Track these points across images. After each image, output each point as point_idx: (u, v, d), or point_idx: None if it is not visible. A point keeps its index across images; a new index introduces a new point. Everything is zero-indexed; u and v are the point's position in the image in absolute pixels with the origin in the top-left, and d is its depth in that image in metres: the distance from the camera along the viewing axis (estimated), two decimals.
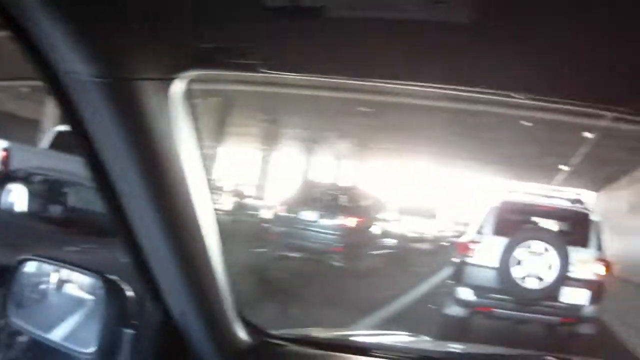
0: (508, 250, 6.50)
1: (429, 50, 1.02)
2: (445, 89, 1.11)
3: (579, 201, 7.81)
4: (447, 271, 7.86)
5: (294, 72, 1.19)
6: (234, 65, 1.09)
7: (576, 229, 7.47)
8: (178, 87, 1.12)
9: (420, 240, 16.08)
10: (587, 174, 20.55)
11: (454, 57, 1.01)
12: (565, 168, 19.21)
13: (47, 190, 6.63)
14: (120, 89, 1.05)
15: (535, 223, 7.92)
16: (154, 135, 1.12)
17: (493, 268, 6.59)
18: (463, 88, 1.13)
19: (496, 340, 6.79)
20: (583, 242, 6.95)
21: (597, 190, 23.98)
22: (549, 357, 1.73)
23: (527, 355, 1.79)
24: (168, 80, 1.10)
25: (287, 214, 11.48)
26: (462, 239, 7.67)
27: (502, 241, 6.64)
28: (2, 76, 15.22)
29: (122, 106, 1.07)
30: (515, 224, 7.43)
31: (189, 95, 1.16)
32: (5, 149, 7.93)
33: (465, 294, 6.76)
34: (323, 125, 19.97)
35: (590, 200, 23.90)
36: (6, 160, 7.49)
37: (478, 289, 6.71)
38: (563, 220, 8.08)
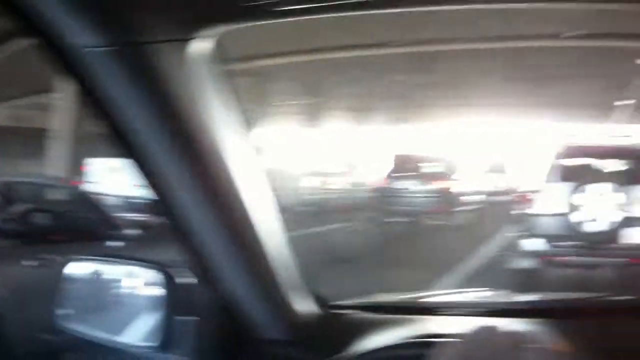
0: (572, 195, 6.45)
1: None
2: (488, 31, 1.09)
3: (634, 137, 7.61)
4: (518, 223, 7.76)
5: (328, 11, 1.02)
6: (256, 12, 0.98)
7: (638, 167, 7.35)
8: (201, 47, 1.02)
9: (499, 193, 17.22)
10: None
11: None
12: (628, 102, 17.66)
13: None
14: (136, 54, 0.96)
15: (598, 165, 7.70)
16: (183, 104, 1.03)
17: (558, 215, 6.54)
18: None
19: (568, 288, 6.68)
20: None
21: None
22: (627, 297, 1.69)
23: (590, 298, 1.70)
24: (187, 41, 1.00)
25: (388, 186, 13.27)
26: (526, 189, 7.61)
27: (565, 187, 6.59)
28: None
29: (141, 73, 0.98)
30: (578, 168, 7.35)
31: (217, 55, 1.06)
32: None
33: (533, 244, 6.73)
34: (371, 89, 18.98)
35: None
36: None
37: (544, 238, 6.66)
38: (626, 159, 7.89)
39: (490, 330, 1.01)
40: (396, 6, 1.02)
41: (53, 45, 0.95)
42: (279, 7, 0.95)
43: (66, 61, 0.97)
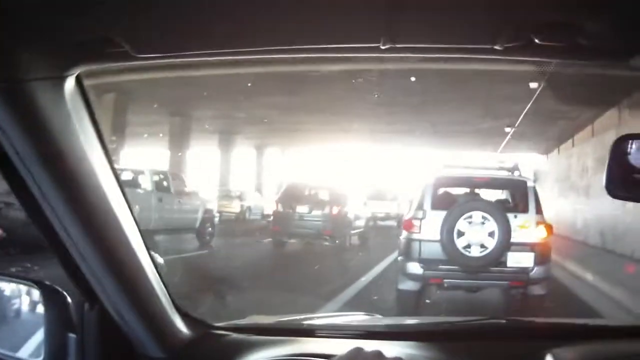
0: (449, 223, 6.63)
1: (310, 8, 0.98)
2: (360, 48, 1.07)
3: (516, 169, 8.06)
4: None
5: (175, 53, 1.13)
6: (117, 56, 1.06)
7: (515, 196, 7.80)
8: (72, 84, 1.09)
9: (385, 218, 18.76)
10: (535, 135, 19.30)
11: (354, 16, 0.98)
12: (510, 130, 17.73)
13: None
14: (14, 91, 1.01)
15: (474, 194, 8.03)
16: (55, 135, 1.08)
17: (437, 241, 6.71)
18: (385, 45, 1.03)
19: (453, 311, 6.99)
20: (522, 208, 7.23)
21: (546, 153, 23.43)
22: (495, 320, 1.76)
23: (474, 320, 1.75)
24: (60, 79, 1.07)
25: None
26: (406, 216, 7.78)
27: (443, 215, 6.76)
28: None
29: (18, 109, 1.03)
30: (453, 197, 7.72)
31: (86, 92, 1.13)
32: None
33: (415, 268, 6.92)
34: (232, 112, 18.47)
35: (539, 163, 24.07)
36: None
37: (426, 262, 6.87)
38: (501, 189, 8.29)
39: (363, 353, 1.04)
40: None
41: None
42: (133, 54, 1.06)
43: None
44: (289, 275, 9.86)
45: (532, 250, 6.79)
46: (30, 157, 1.08)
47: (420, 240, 6.95)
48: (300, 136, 22.90)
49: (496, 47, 1.02)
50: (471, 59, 1.18)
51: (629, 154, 1.27)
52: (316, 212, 14.11)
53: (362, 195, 17.83)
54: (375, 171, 28.58)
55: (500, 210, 6.89)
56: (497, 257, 6.65)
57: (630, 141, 1.30)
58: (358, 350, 1.09)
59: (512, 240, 6.66)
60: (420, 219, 7.04)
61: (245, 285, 7.90)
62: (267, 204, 19.58)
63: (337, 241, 13.70)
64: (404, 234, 7.23)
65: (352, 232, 14.84)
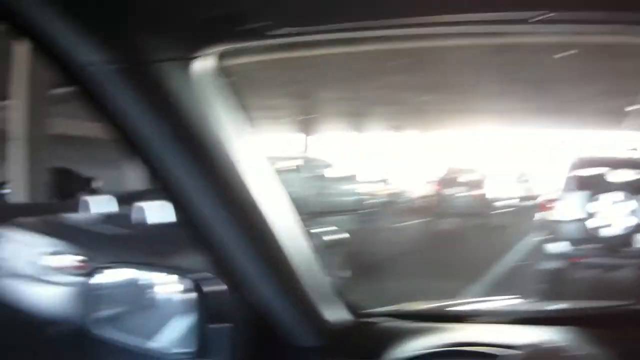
0: (589, 203, 7.04)
1: None
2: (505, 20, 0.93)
3: None
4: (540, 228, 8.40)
5: (317, 26, 1.03)
6: (252, 34, 0.99)
7: None
8: (204, 65, 1.05)
9: (525, 199, 18.78)
10: None
11: None
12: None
13: None
14: (142, 72, 0.98)
15: (611, 176, 8.03)
16: (188, 117, 1.05)
17: (578, 220, 7.07)
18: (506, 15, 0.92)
19: (593, 290, 7.08)
20: None
21: None
22: None
23: (623, 306, 1.62)
24: (190, 60, 1.03)
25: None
26: (546, 197, 8.29)
27: (584, 195, 7.13)
28: None
29: (147, 90, 1.00)
30: (593, 177, 7.80)
31: (219, 72, 1.08)
32: None
33: (557, 247, 7.24)
34: (359, 93, 17.84)
35: None
36: None
37: (567, 242, 7.16)
38: (636, 169, 8.60)
39: (548, 347, 0.93)
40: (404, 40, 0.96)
41: (63, 63, 0.96)
42: (274, 31, 0.97)
43: (76, 79, 0.98)
44: (440, 255, 10.22)
45: None
46: (163, 140, 1.05)
47: (560, 221, 7.30)
48: (429, 117, 22.39)
49: None
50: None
51: None
52: (465, 194, 15.69)
53: (504, 177, 18.63)
54: (508, 153, 28.36)
55: (635, 191, 7.14)
56: (633, 236, 6.95)
57: None
58: (540, 346, 1.00)
59: None
60: (562, 200, 7.41)
61: (399, 267, 8.29)
62: (414, 188, 20.77)
63: (484, 220, 14.90)
64: (546, 214, 7.80)
65: (496, 211, 16.03)
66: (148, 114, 1.02)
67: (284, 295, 1.29)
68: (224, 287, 1.30)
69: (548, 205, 7.72)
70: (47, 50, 0.95)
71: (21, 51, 15.31)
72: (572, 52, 10.06)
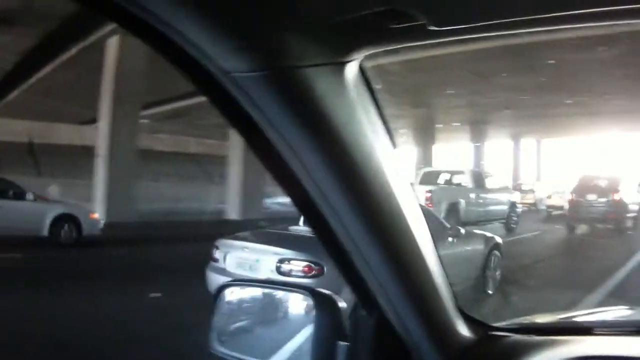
0: None
1: None
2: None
3: None
4: None
5: (471, 23, 0.91)
6: (409, 32, 0.90)
7: None
8: (354, 69, 0.98)
9: None
10: None
11: None
12: None
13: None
14: (286, 79, 0.93)
15: None
16: (336, 126, 0.99)
17: None
18: None
19: None
20: None
21: None
22: None
23: None
24: (340, 64, 0.96)
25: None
26: None
27: None
28: None
29: (292, 98, 0.95)
30: None
31: (369, 77, 1.03)
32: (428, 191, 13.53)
33: None
34: (476, 98, 17.20)
35: None
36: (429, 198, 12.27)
37: None
38: None
39: None
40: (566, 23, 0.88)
41: (203, 72, 0.92)
42: (430, 27, 0.87)
43: (215, 87, 0.95)
44: (572, 264, 10.74)
45: None
46: (307, 149, 1.00)
47: None
48: (552, 122, 21.84)
49: None
50: None
51: None
52: (601, 199, 16.57)
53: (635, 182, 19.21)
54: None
55: None
56: None
57: None
58: None
59: None
60: None
61: (528, 279, 8.71)
62: (550, 196, 22.07)
63: (618, 225, 16.11)
64: None
65: (629, 215, 17.09)
66: (294, 122, 0.98)
67: (414, 311, 1.26)
68: (347, 303, 1.28)
69: None
70: (183, 58, 0.91)
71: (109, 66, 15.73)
72: None
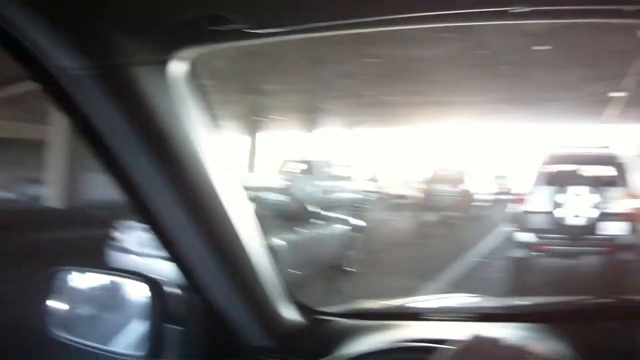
0: (554, 197, 7.80)
1: None
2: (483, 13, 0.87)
3: (609, 147, 9.18)
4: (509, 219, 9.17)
5: (292, 26, 0.99)
6: (229, 35, 0.97)
7: (610, 171, 8.72)
8: (178, 68, 1.03)
9: (500, 194, 20.59)
10: None
11: None
12: (619, 95, 15.27)
13: None
14: (116, 77, 0.96)
15: (576, 171, 8.92)
16: (161, 121, 1.03)
17: (544, 213, 7.85)
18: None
19: (556, 275, 8.15)
20: (616, 182, 8.25)
21: None
22: (610, 299, 1.70)
23: (587, 299, 1.68)
24: (164, 63, 1.01)
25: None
26: (516, 192, 8.96)
27: (549, 189, 7.89)
28: None
29: (121, 95, 0.98)
30: (559, 173, 8.69)
31: (192, 75, 1.07)
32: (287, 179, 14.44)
33: (525, 237, 8.02)
34: (308, 85, 16.76)
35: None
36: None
37: (534, 232, 7.95)
38: (599, 165, 9.34)
39: (484, 339, 0.93)
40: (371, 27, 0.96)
41: (38, 68, 0.95)
42: (250, 30, 0.93)
43: (51, 83, 0.97)
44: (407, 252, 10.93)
45: (624, 219, 7.82)
46: (135, 143, 1.04)
47: (528, 212, 8.06)
48: (387, 111, 21.21)
49: (626, 8, 0.87)
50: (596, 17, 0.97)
51: None
52: (451, 189, 17.55)
53: (479, 173, 20.45)
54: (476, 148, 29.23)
55: (597, 185, 7.98)
56: (594, 226, 7.74)
57: None
58: (477, 338, 1.00)
59: (607, 210, 7.77)
60: (529, 194, 8.17)
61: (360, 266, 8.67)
62: (396, 185, 22.24)
63: (466, 212, 17.10)
64: (515, 207, 8.40)
65: (474, 204, 18.21)
66: (123, 118, 1.01)
67: (239, 296, 1.29)
68: (179, 289, 1.30)
69: (519, 199, 8.32)
70: (23, 55, 0.93)
71: None
72: (548, 47, 10.11)
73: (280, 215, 7.41)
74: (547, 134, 22.38)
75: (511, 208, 8.64)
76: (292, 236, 7.27)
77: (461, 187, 17.99)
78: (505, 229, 9.71)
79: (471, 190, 18.34)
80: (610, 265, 8.15)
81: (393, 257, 9.71)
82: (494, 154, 27.92)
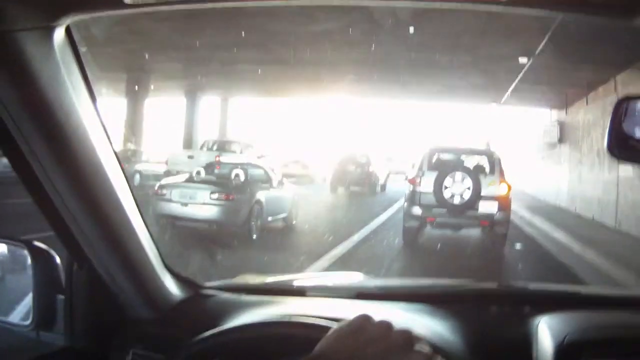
0: (439, 180, 9.59)
1: None
2: None
3: (488, 145, 11.52)
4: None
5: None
6: (108, 3, 0.99)
7: (485, 162, 10.77)
8: (60, 34, 1.01)
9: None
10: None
11: None
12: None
13: None
14: (2, 42, 0.93)
15: (458, 161, 11.01)
16: (44, 87, 1.01)
17: (431, 192, 9.68)
18: None
19: (440, 240, 9.96)
20: (490, 171, 10.23)
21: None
22: (488, 284, 1.78)
23: (466, 284, 1.74)
24: (47, 29, 0.98)
25: None
26: (410, 174, 10.67)
27: (435, 174, 9.69)
28: None
29: (4, 60, 0.95)
30: (443, 162, 10.65)
31: (75, 43, 1.05)
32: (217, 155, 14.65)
33: (416, 210, 9.85)
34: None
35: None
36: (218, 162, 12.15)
37: (424, 207, 9.80)
38: (477, 156, 11.66)
39: (372, 321, 0.93)
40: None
41: None
42: (126, 1, 0.93)
43: None
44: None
45: (496, 200, 9.74)
46: (18, 110, 1.00)
47: (420, 192, 9.88)
48: (267, 84, 19.12)
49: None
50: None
51: (628, 115, 1.20)
52: (358, 170, 19.14)
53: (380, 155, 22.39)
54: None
55: (474, 172, 9.85)
56: (472, 204, 9.58)
57: (627, 103, 1.22)
58: (366, 318, 0.95)
59: (482, 193, 9.60)
60: (420, 177, 9.95)
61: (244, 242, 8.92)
62: (286, 164, 22.27)
63: (370, 189, 19.06)
64: (409, 186, 10.07)
65: (378, 182, 20.00)
66: (8, 84, 0.98)
67: (126, 269, 1.28)
68: (67, 257, 1.27)
69: (413, 180, 10.07)
70: None
71: None
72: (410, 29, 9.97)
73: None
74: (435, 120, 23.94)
75: (407, 187, 10.21)
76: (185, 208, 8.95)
77: (368, 168, 19.62)
78: (402, 203, 11.21)
79: (375, 171, 20.01)
80: (483, 235, 10.31)
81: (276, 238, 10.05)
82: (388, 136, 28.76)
